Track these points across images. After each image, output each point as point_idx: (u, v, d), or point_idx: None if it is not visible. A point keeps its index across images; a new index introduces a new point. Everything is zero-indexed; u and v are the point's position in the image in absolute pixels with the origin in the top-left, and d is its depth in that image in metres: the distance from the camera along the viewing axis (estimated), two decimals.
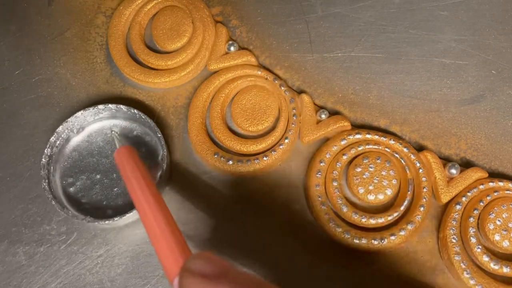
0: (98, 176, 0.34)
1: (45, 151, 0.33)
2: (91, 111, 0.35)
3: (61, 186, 0.34)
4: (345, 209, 0.32)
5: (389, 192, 0.33)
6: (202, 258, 0.22)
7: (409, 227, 0.32)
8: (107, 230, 0.34)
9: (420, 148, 0.35)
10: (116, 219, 0.31)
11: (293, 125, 0.35)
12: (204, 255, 0.23)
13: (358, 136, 0.34)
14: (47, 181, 0.33)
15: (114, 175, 0.34)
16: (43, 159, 0.33)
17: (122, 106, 0.35)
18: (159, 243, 0.25)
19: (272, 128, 0.36)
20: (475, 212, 0.32)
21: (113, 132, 0.35)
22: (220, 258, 0.23)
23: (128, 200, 0.34)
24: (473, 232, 0.31)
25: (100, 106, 0.35)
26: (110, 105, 0.35)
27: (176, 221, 0.34)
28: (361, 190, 0.33)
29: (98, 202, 0.34)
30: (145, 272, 0.33)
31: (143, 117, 0.34)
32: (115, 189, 0.34)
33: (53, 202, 0.32)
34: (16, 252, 0.33)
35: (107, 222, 0.31)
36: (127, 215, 0.31)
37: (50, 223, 0.34)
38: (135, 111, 0.34)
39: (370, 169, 0.33)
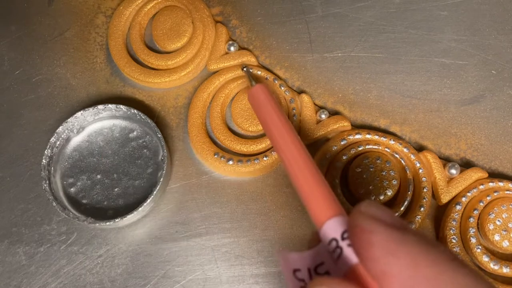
0: (98, 176, 0.34)
1: (45, 152, 0.33)
2: (90, 111, 0.35)
3: (61, 186, 0.34)
4: None
5: (389, 192, 0.33)
6: (378, 205, 0.19)
7: None
8: (107, 230, 0.34)
9: (420, 148, 0.35)
10: (117, 220, 0.31)
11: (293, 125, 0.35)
12: (377, 203, 0.20)
13: (358, 136, 0.34)
14: (47, 182, 0.33)
15: (115, 175, 0.34)
16: (43, 160, 0.33)
17: (122, 106, 0.35)
18: (309, 184, 0.23)
19: None
20: (475, 212, 0.32)
21: (244, 69, 0.34)
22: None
23: (129, 200, 0.34)
24: (473, 232, 0.31)
25: (100, 106, 0.35)
26: (110, 105, 0.35)
27: (177, 222, 0.34)
28: (361, 191, 0.33)
29: (98, 202, 0.34)
30: (145, 272, 0.33)
31: (143, 117, 0.34)
32: (116, 189, 0.34)
33: (54, 204, 0.32)
34: (16, 252, 0.33)
35: (108, 223, 0.31)
36: (128, 216, 0.31)
37: (50, 223, 0.34)
38: (135, 111, 0.34)
39: (370, 170, 0.33)
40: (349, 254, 0.19)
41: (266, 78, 0.37)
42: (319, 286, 0.18)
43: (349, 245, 0.19)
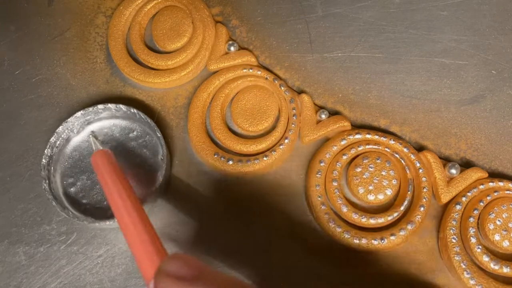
0: None
1: (45, 151, 0.33)
2: (90, 111, 0.35)
3: (61, 186, 0.34)
4: (345, 209, 0.32)
5: (389, 192, 0.33)
6: (177, 260, 0.22)
7: (409, 227, 0.32)
8: (107, 230, 0.34)
9: (420, 148, 0.35)
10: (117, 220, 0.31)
11: (293, 125, 0.35)
12: (179, 256, 0.23)
13: (358, 136, 0.34)
14: (47, 181, 0.33)
15: None
16: (44, 160, 0.33)
17: (122, 106, 0.35)
18: (136, 245, 0.25)
19: (272, 128, 0.36)
20: (475, 212, 0.32)
21: (90, 135, 0.35)
22: (196, 259, 0.22)
23: None
24: (473, 232, 0.31)
25: (100, 106, 0.35)
26: (109, 105, 0.35)
27: (176, 222, 0.34)
28: (361, 190, 0.33)
29: (98, 202, 0.34)
30: None
31: (143, 117, 0.34)
32: None
33: (54, 203, 0.32)
34: (16, 252, 0.33)
35: (108, 222, 0.31)
36: None
37: (50, 223, 0.34)
38: (135, 111, 0.34)
39: (370, 169, 0.33)
40: None
41: (266, 78, 0.37)
42: None
43: None
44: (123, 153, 0.35)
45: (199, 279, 0.21)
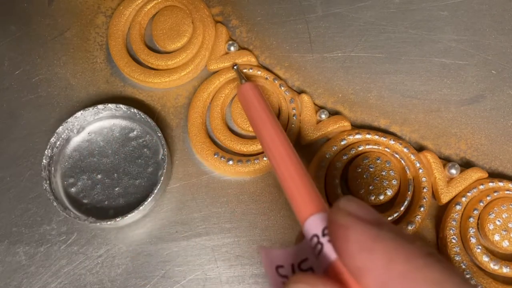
0: (99, 176, 0.34)
1: (46, 152, 0.33)
2: (90, 111, 0.35)
3: (62, 186, 0.34)
4: None
5: (389, 192, 0.33)
6: (356, 201, 0.20)
7: (409, 227, 0.32)
8: (107, 230, 0.34)
9: (420, 148, 0.35)
10: (118, 219, 0.31)
11: (293, 125, 0.35)
12: (355, 198, 0.20)
13: (358, 136, 0.34)
14: (48, 182, 0.33)
15: (115, 174, 0.34)
16: (44, 160, 0.33)
17: (122, 106, 0.35)
18: (293, 179, 0.23)
19: None
20: (475, 212, 0.32)
21: (235, 67, 0.34)
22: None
23: (130, 200, 0.34)
24: (473, 232, 0.31)
25: (100, 106, 0.35)
26: (109, 105, 0.35)
27: (177, 222, 0.34)
28: (361, 191, 0.33)
29: (99, 202, 0.34)
30: (145, 272, 0.33)
31: (143, 116, 0.34)
32: (116, 189, 0.34)
33: (55, 204, 0.32)
34: (16, 252, 0.33)
35: (109, 222, 0.31)
36: (129, 215, 0.31)
37: (50, 223, 0.34)
38: (135, 110, 0.34)
39: (370, 170, 0.33)
40: (329, 250, 0.19)
41: (266, 78, 0.37)
42: (299, 283, 0.18)
43: (329, 241, 0.20)
44: (123, 152, 0.35)
45: (382, 224, 0.18)
